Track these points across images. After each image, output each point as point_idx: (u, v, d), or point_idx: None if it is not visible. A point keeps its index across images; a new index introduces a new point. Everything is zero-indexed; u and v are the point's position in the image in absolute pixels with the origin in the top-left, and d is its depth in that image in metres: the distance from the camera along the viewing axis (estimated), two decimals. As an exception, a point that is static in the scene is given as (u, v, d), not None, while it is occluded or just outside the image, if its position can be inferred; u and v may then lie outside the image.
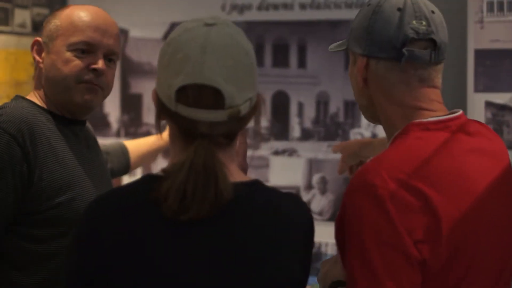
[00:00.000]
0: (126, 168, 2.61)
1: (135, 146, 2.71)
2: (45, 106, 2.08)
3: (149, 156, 2.77)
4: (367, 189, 1.53)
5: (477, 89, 3.06)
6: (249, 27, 3.46)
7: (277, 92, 3.46)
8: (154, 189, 1.48)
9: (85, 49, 2.05)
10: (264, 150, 3.47)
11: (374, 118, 1.76)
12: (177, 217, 1.46)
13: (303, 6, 3.40)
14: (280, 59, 3.46)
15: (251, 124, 1.57)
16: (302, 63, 3.43)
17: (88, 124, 2.24)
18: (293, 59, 3.44)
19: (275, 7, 3.44)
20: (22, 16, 3.50)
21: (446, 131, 1.64)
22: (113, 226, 1.50)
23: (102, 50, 2.06)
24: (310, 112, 3.43)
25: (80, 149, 2.09)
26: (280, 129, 3.47)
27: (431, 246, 1.51)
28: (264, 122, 3.47)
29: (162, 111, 1.53)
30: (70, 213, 1.96)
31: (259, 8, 3.46)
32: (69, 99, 2.05)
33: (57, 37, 2.05)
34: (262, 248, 1.51)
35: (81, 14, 2.07)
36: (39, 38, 2.11)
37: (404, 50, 1.63)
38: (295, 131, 3.45)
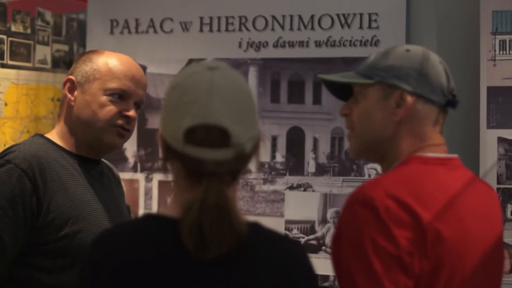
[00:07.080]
0: None
1: None
2: (62, 144, 2.16)
3: None
4: (366, 200, 1.65)
5: (489, 126, 3.10)
6: (266, 64, 3.51)
7: (293, 127, 3.49)
8: (163, 229, 1.51)
9: (120, 96, 2.15)
10: (279, 184, 3.49)
11: (381, 154, 1.84)
12: (199, 257, 1.47)
13: (318, 44, 3.45)
14: (296, 96, 3.49)
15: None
16: (317, 100, 3.46)
17: (109, 164, 2.34)
18: (309, 95, 3.47)
19: (291, 44, 3.48)
20: (42, 52, 3.56)
21: (443, 167, 1.78)
22: (115, 265, 1.50)
23: (134, 99, 2.19)
24: (325, 148, 3.45)
25: (92, 185, 2.16)
26: (295, 164, 3.49)
27: (418, 258, 1.62)
28: (280, 158, 3.50)
29: (169, 152, 1.55)
30: (76, 245, 2.03)
31: (276, 45, 3.50)
32: (99, 139, 2.15)
33: (94, 80, 2.15)
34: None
35: (118, 62, 2.19)
36: (72, 77, 2.19)
37: (455, 98, 1.83)
38: (310, 166, 3.47)
